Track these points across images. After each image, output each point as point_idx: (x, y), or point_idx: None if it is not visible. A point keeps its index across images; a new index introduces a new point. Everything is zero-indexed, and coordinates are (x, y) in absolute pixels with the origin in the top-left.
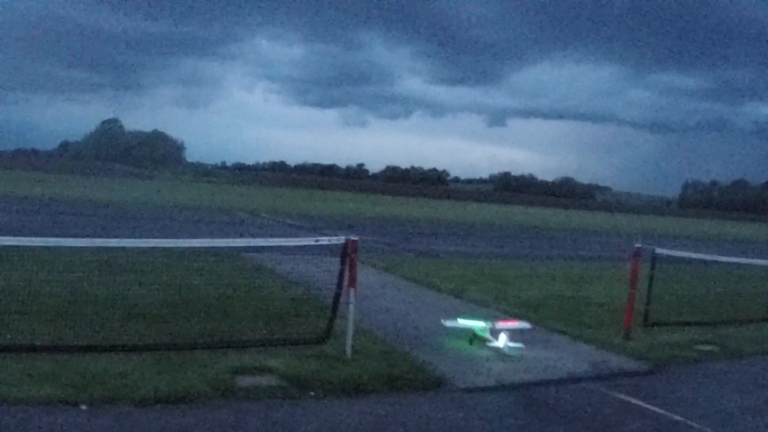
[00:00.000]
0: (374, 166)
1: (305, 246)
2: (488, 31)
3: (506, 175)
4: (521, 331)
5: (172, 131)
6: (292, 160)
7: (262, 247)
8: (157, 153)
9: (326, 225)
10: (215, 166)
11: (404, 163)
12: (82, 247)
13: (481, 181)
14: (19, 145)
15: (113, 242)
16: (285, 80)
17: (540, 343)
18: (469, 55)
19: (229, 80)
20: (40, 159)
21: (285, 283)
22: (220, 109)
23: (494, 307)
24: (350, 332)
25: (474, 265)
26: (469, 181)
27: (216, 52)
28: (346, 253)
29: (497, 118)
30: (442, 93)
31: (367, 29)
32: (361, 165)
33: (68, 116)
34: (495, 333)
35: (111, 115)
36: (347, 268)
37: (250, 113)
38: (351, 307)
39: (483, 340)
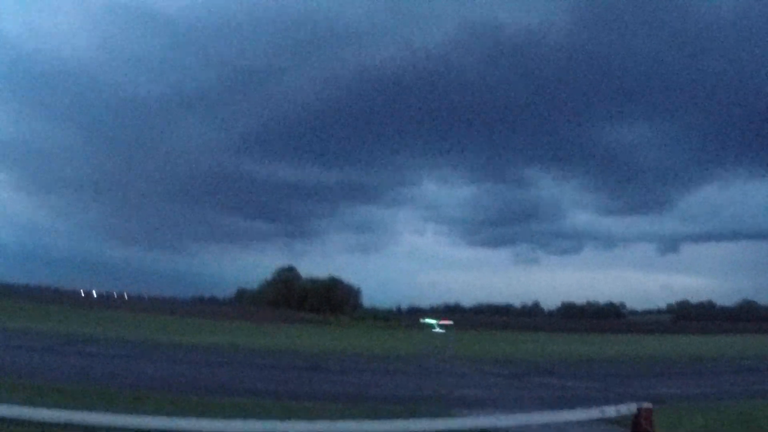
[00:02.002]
0: (549, 303)
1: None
2: (653, 156)
3: (684, 303)
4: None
5: (348, 277)
6: (467, 302)
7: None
8: (334, 299)
9: (523, 369)
10: (391, 311)
11: (579, 299)
12: None
13: (659, 311)
14: (197, 293)
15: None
16: (454, 222)
17: None
18: (635, 184)
19: (399, 225)
20: (217, 307)
21: None
22: (393, 254)
23: None
24: None
25: (742, 412)
26: (646, 312)
27: (386, 197)
28: (639, 426)
29: (669, 244)
30: (611, 224)
31: (533, 166)
32: (536, 303)
33: (244, 264)
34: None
35: (286, 263)
36: None
37: (422, 256)
38: None
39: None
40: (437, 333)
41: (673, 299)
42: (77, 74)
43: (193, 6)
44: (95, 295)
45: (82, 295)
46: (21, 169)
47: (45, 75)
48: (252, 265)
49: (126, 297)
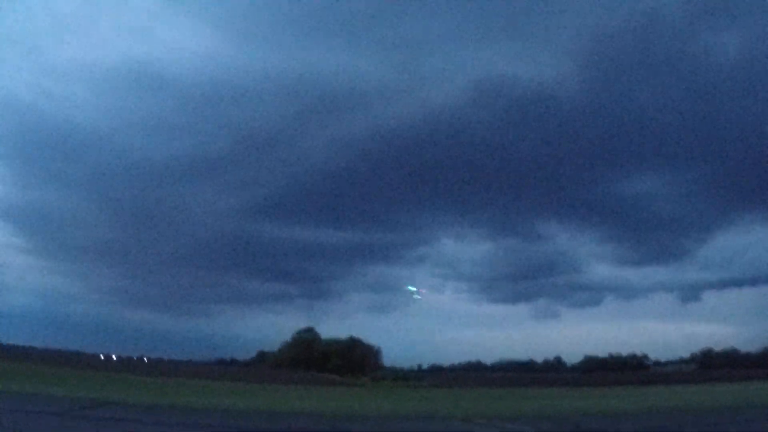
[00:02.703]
0: (571, 357)
1: None
2: (669, 205)
3: (708, 351)
4: None
5: (368, 337)
6: (488, 359)
7: None
8: (355, 359)
9: (553, 428)
10: (412, 370)
11: (601, 351)
12: None
13: (683, 360)
14: (217, 356)
15: None
16: (473, 278)
17: None
18: (653, 233)
19: (418, 283)
20: (238, 369)
21: None
22: (412, 312)
23: None
24: None
25: None
26: (670, 363)
27: (403, 256)
28: None
29: (690, 293)
30: (630, 275)
31: (550, 220)
32: (557, 357)
33: (264, 326)
34: None
35: (306, 324)
36: None
37: (442, 314)
38: None
39: None
40: (458, 396)
41: (697, 348)
42: (90, 139)
43: (204, 69)
44: (115, 359)
45: (102, 358)
46: (37, 234)
47: (58, 140)
48: (272, 326)
49: (146, 360)
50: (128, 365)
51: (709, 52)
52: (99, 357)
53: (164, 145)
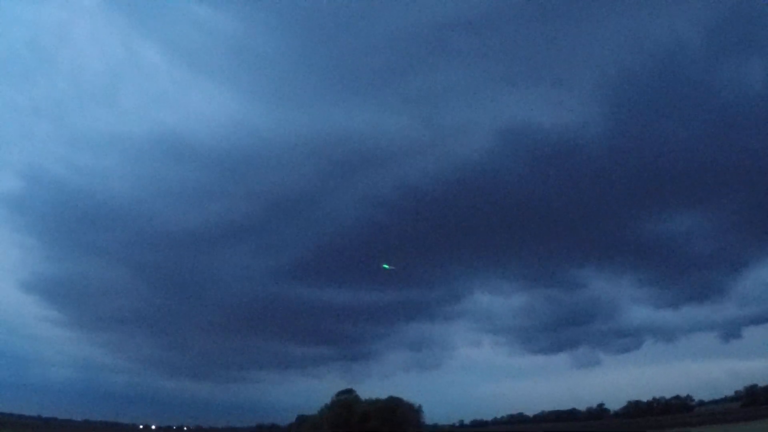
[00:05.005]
0: (614, 403)
1: None
2: (703, 243)
3: (752, 387)
4: None
5: (408, 395)
6: (530, 410)
7: None
8: (396, 419)
9: None
10: (453, 426)
11: (645, 395)
12: None
13: (727, 399)
14: (259, 421)
15: None
16: (510, 331)
17: None
18: (689, 273)
19: (455, 339)
20: None
21: None
22: (451, 368)
23: None
24: None
25: None
26: (714, 402)
27: (439, 313)
28: None
29: (731, 330)
30: (669, 316)
31: (584, 266)
32: (600, 405)
33: (303, 390)
34: None
35: (345, 386)
36: None
37: (481, 368)
38: None
39: None
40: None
41: (741, 385)
42: (121, 209)
43: (232, 135)
44: (154, 429)
45: (141, 429)
46: (71, 306)
47: (88, 211)
48: (311, 390)
49: (185, 429)
50: None
51: (735, 84)
52: (138, 427)
53: (195, 211)
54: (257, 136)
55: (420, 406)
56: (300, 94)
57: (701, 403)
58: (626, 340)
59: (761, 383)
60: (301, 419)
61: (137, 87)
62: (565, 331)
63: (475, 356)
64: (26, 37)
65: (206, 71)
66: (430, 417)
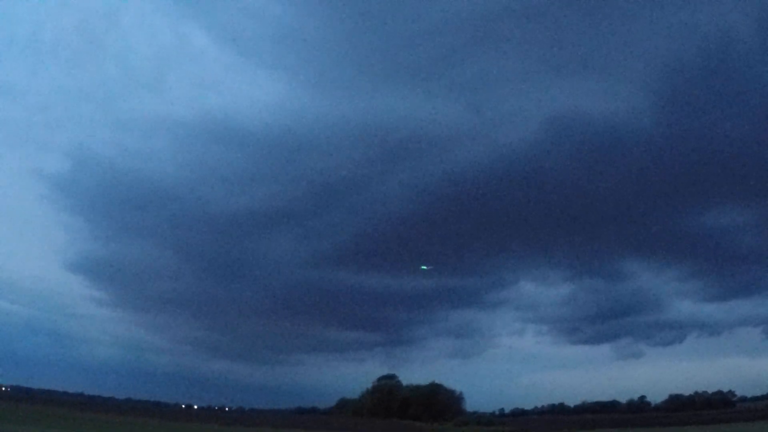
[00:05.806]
0: (656, 396)
1: None
2: (750, 238)
3: None
4: None
5: (449, 382)
6: (571, 401)
7: None
8: (436, 405)
9: None
10: (494, 414)
11: (686, 390)
12: None
13: None
14: (299, 404)
15: None
16: (554, 320)
17: None
18: (735, 267)
19: (498, 327)
20: (319, 417)
21: None
22: (493, 356)
23: None
24: None
25: None
26: (757, 399)
27: (483, 300)
28: None
29: None
30: (714, 310)
31: (630, 258)
32: (642, 397)
33: (345, 374)
34: None
35: (387, 371)
36: None
37: (523, 357)
38: None
39: None
40: None
41: None
42: (167, 192)
43: (279, 120)
44: (195, 408)
45: (183, 408)
46: (117, 286)
47: (135, 194)
48: (353, 374)
49: (227, 409)
50: (209, 415)
51: None
52: (180, 407)
53: (241, 195)
54: (304, 122)
55: (461, 393)
56: (348, 79)
57: (743, 399)
58: (670, 333)
59: None
60: (343, 403)
61: (185, 71)
62: (609, 322)
63: (517, 345)
64: (75, 21)
65: (254, 56)
66: (470, 404)
